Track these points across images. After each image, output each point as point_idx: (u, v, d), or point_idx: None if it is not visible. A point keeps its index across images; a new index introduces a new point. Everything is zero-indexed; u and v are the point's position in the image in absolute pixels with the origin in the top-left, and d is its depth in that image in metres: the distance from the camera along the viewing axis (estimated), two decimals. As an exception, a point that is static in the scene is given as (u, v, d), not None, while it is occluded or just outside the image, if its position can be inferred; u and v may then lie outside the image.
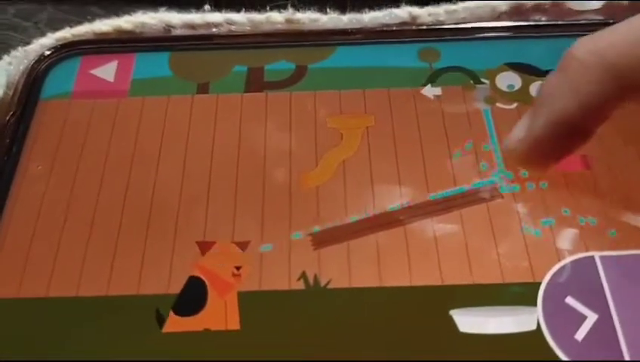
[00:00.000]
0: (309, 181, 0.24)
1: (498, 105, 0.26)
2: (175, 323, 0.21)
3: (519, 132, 0.20)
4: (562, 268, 0.21)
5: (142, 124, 0.26)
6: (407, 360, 0.20)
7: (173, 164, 0.25)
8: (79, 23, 0.29)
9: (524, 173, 0.24)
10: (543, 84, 0.20)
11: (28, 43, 0.28)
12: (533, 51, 0.27)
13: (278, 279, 0.22)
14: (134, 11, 0.29)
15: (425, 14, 0.28)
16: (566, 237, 0.22)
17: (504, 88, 0.26)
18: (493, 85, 0.26)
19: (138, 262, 0.22)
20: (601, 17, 0.28)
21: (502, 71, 0.27)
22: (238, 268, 0.22)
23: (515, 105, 0.26)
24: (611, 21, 0.28)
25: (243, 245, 0.22)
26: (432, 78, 0.27)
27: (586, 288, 0.21)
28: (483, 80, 0.27)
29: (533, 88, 0.26)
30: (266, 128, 0.25)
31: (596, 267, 0.21)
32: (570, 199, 0.23)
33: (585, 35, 0.27)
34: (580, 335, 0.20)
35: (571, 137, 0.19)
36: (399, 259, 0.22)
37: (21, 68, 0.27)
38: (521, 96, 0.26)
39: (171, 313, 0.21)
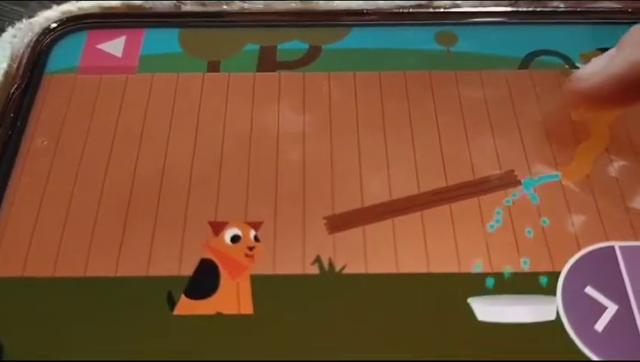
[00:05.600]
0: (569, 175, 0.23)
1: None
2: (186, 306, 0.20)
3: (594, 67, 0.20)
4: (582, 257, 0.21)
5: (151, 102, 0.25)
6: (424, 349, 0.19)
7: (184, 142, 0.24)
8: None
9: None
10: (631, 29, 0.20)
11: (32, 16, 0.27)
12: (553, 38, 0.26)
13: (292, 263, 0.21)
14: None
15: (442, -4, 0.28)
16: (586, 227, 0.22)
17: None
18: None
19: (148, 242, 0.21)
20: (618, 5, 0.28)
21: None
22: (251, 248, 0.21)
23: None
24: (630, 10, 0.28)
25: (256, 225, 0.22)
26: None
27: (606, 278, 0.21)
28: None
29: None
30: (279, 109, 0.25)
31: (616, 257, 0.21)
32: (589, 188, 0.23)
33: (603, 22, 0.27)
34: (599, 325, 0.20)
35: None
36: (416, 245, 0.21)
37: (25, 41, 0.26)
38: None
39: (183, 296, 0.20)
